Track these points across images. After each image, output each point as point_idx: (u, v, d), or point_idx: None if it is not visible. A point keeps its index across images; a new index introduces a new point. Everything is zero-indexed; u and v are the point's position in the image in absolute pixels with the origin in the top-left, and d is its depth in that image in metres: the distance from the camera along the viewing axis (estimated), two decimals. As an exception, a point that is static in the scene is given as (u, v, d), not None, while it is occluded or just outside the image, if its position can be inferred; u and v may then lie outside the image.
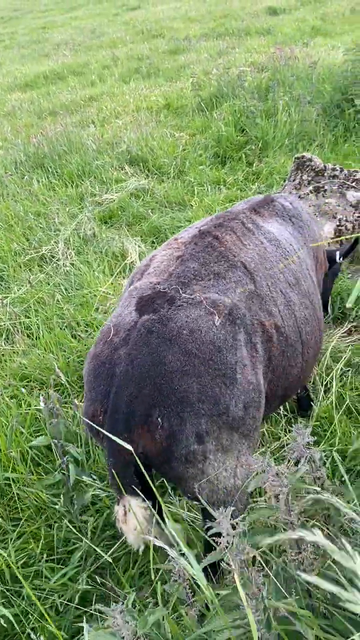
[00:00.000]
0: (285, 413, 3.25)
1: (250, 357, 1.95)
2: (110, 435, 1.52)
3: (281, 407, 3.23)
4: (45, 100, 9.97)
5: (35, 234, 5.09)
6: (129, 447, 1.40)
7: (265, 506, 1.37)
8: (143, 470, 1.53)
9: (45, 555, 2.53)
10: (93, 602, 2.30)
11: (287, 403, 3.26)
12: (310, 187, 4.42)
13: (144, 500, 1.72)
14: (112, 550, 2.49)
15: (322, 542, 0.84)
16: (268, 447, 3.00)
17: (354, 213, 4.22)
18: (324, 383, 3.33)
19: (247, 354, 1.93)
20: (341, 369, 3.37)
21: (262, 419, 2.05)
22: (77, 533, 2.57)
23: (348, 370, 3.37)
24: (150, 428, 1.68)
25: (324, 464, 2.68)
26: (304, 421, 3.12)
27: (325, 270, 3.21)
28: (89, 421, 1.75)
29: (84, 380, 1.91)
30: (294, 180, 4.60)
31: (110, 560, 2.10)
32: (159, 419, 1.67)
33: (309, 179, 4.50)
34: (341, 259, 3.41)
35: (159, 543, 1.32)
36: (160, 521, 1.46)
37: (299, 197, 4.44)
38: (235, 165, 6.07)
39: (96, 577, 2.45)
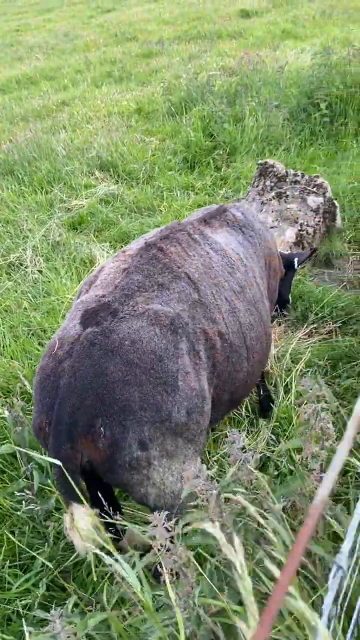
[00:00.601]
0: (248, 414, 3.34)
1: (193, 365, 2.02)
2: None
3: (242, 409, 3.32)
4: (17, 106, 9.97)
5: (3, 241, 5.12)
6: (58, 462, 1.46)
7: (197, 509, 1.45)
8: (71, 480, 1.60)
9: (8, 562, 2.58)
10: (53, 607, 2.36)
11: (248, 404, 3.34)
12: (273, 193, 4.51)
13: (91, 507, 1.78)
14: (75, 555, 2.55)
15: (215, 533, 0.92)
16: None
17: (315, 217, 4.33)
18: (284, 384, 3.42)
19: (190, 361, 2.00)
20: (301, 369, 3.46)
21: (208, 423, 2.13)
22: (40, 539, 2.62)
23: (308, 371, 3.46)
24: (94, 437, 1.74)
25: (280, 463, 2.77)
26: (265, 422, 3.20)
27: (281, 275, 3.30)
28: (35, 434, 1.81)
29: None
30: (257, 186, 4.69)
31: (72, 565, 2.16)
32: (101, 428, 1.73)
33: (272, 184, 4.59)
34: (299, 265, 3.52)
35: (95, 550, 1.39)
36: (117, 526, 1.53)
37: (262, 202, 4.53)
38: (204, 170, 6.16)
39: (60, 581, 2.51)
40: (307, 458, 1.56)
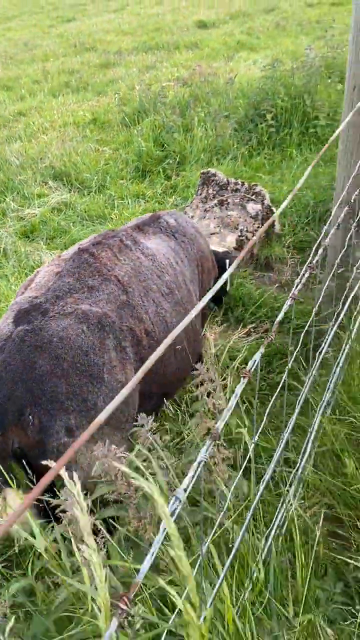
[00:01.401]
0: (188, 410, 3.53)
1: (120, 359, 2.21)
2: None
3: (181, 404, 3.51)
4: (-26, 115, 10.02)
5: None
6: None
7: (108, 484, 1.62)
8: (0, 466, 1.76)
9: None
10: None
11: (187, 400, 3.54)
12: (215, 201, 4.74)
13: (24, 491, 1.94)
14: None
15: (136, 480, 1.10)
16: (170, 442, 3.26)
17: (254, 224, 4.56)
18: (222, 379, 3.63)
19: (116, 356, 2.19)
20: (237, 366, 3.67)
21: (136, 413, 2.31)
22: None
23: (244, 367, 3.68)
24: (23, 425, 1.91)
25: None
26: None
27: (215, 275, 3.51)
28: None
29: None
30: (200, 194, 4.91)
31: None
32: (30, 417, 1.90)
33: (214, 192, 4.82)
34: (229, 266, 3.78)
35: (21, 531, 1.55)
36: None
37: (205, 210, 4.75)
38: (155, 178, 6.36)
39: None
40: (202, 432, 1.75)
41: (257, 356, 1.57)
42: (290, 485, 2.33)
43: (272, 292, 4.35)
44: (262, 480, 2.44)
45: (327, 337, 2.56)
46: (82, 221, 5.68)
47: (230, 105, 7.31)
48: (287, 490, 2.28)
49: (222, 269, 3.60)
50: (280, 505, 2.25)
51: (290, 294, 1.68)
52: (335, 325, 2.66)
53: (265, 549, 1.97)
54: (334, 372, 2.71)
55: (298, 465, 2.38)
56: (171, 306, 2.62)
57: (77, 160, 6.76)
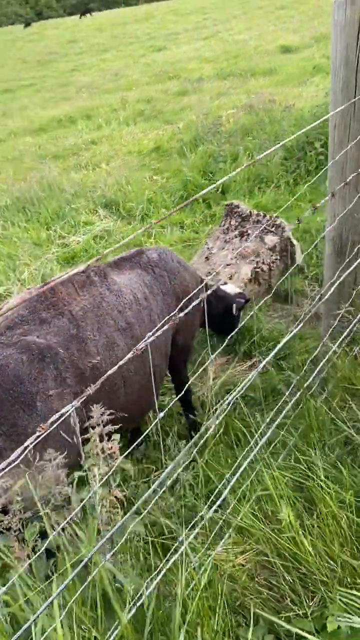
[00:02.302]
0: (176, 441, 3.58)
1: (58, 389, 2.34)
2: None
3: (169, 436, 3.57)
4: (52, 144, 10.70)
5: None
6: None
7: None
8: None
9: None
10: None
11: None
12: (236, 232, 4.78)
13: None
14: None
15: None
16: (155, 476, 3.33)
17: (271, 255, 4.55)
18: (213, 410, 3.64)
19: (54, 386, 2.32)
20: (236, 399, 3.67)
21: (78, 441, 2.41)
22: None
23: (237, 402, 3.67)
24: None
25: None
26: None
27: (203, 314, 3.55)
28: None
29: None
30: (223, 225, 4.97)
31: None
32: None
33: (236, 224, 4.86)
34: (237, 311, 3.79)
35: None
36: None
37: (225, 241, 4.80)
38: (197, 207, 6.49)
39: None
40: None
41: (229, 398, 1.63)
42: (221, 529, 2.32)
43: (283, 325, 4.31)
44: (192, 524, 2.46)
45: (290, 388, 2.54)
46: (119, 248, 5.90)
47: (283, 133, 7.31)
48: (212, 532, 2.27)
49: (228, 311, 3.64)
50: (205, 549, 2.25)
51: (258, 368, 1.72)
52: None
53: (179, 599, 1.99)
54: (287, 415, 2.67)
55: (228, 509, 2.37)
56: (126, 341, 2.70)
57: (127, 189, 7.04)
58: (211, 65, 15.95)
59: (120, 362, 1.63)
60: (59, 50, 28.89)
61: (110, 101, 13.67)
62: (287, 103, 8.42)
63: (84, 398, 1.50)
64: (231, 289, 3.98)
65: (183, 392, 3.54)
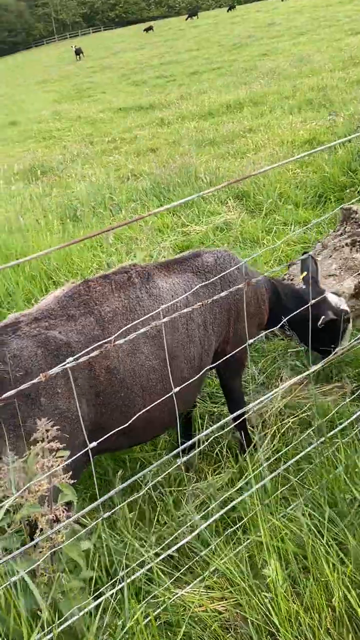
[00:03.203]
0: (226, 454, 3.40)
1: (67, 388, 2.32)
2: None
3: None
4: (213, 130, 10.71)
5: (118, 255, 5.77)
6: None
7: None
8: None
9: None
10: None
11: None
12: (348, 240, 4.34)
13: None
14: None
15: None
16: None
17: (379, 271, 4.06)
18: (271, 432, 3.38)
19: (63, 383, 2.31)
20: (291, 423, 3.37)
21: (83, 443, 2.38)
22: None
23: (298, 426, 3.37)
24: None
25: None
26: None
27: (264, 322, 3.27)
28: None
29: None
30: (337, 231, 4.55)
31: None
32: None
33: (351, 231, 4.41)
34: (321, 324, 3.34)
35: None
36: None
37: (334, 248, 4.39)
38: (330, 206, 6.04)
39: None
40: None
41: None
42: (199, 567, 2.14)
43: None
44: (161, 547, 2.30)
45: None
46: (235, 243, 5.73)
47: None
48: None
49: (333, 324, 3.29)
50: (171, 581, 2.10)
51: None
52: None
53: None
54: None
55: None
56: (152, 349, 2.59)
57: (261, 181, 6.79)
58: None
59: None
60: (256, 34, 28.72)
61: (285, 88, 13.26)
62: None
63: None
64: (336, 300, 3.50)
65: (233, 407, 3.36)
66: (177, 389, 2.18)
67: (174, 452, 2.43)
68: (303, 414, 3.48)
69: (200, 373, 2.81)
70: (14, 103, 24.53)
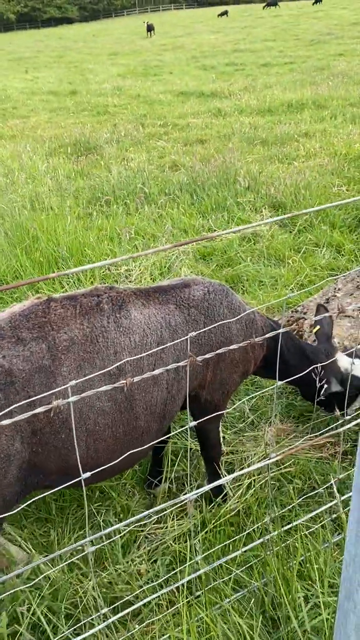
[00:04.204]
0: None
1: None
2: None
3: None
4: (268, 129, 10.24)
5: (123, 253, 5.46)
6: None
7: None
8: None
9: None
10: None
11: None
12: (373, 279, 3.93)
13: None
14: None
15: None
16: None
17: None
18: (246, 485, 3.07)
19: None
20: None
21: (13, 480, 2.13)
22: None
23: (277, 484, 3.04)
24: None
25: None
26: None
27: (250, 370, 2.92)
28: None
29: None
30: (363, 268, 4.12)
31: None
32: None
33: (378, 268, 3.99)
34: (333, 389, 3.01)
35: None
36: None
37: (357, 286, 3.99)
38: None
39: None
40: None
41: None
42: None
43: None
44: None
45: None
46: (260, 258, 5.36)
47: None
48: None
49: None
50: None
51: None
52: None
53: None
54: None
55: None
56: (105, 390, 2.28)
57: (302, 193, 6.36)
58: None
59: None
60: (336, 32, 27.66)
61: (353, 94, 12.60)
62: None
63: None
64: (346, 365, 3.09)
65: (207, 453, 3.05)
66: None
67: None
68: (285, 469, 3.16)
69: (161, 422, 2.50)
70: (81, 72, 24.33)
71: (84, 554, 2.37)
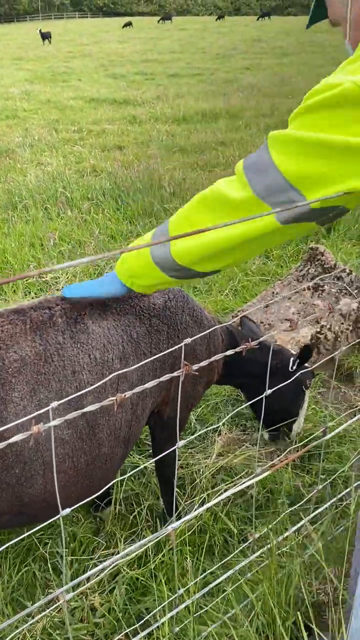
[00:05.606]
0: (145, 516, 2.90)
1: None
2: None
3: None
4: (184, 137, 10.25)
5: (49, 259, 5.18)
6: None
7: None
8: None
9: None
10: None
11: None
12: (310, 284, 3.93)
13: None
14: None
15: None
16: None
17: (342, 323, 3.67)
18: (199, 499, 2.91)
19: None
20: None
21: None
22: None
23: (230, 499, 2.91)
24: None
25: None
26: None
27: (213, 380, 2.77)
28: None
29: None
30: (300, 271, 4.13)
31: None
32: None
33: (315, 274, 4.01)
34: (294, 367, 2.85)
35: None
36: None
37: (295, 290, 3.98)
38: (294, 241, 5.64)
39: None
40: None
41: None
42: None
43: (329, 413, 3.44)
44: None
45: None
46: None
47: None
48: None
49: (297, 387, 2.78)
50: None
51: None
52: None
53: None
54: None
55: None
56: (66, 415, 2.01)
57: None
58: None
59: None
60: (240, 47, 28.56)
61: (263, 105, 12.96)
62: None
63: None
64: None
65: (162, 471, 2.85)
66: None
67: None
68: (239, 479, 3.04)
69: (126, 447, 2.27)
70: (-16, 75, 23.37)
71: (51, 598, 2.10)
